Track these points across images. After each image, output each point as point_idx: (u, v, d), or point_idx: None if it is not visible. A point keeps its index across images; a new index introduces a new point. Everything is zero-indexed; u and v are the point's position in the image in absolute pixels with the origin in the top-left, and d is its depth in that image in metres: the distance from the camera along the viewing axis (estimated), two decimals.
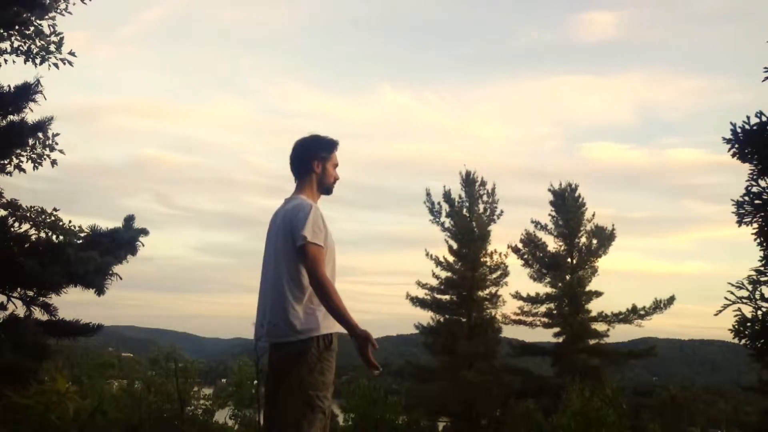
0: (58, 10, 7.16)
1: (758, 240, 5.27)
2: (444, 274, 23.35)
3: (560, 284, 23.21)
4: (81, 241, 6.87)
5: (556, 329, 23.10)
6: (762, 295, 5.18)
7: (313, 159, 2.95)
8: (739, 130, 5.13)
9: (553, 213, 23.79)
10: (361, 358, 2.63)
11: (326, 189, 3.00)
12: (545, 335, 23.85)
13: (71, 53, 7.22)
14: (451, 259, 23.42)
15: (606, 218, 22.23)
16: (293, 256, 2.73)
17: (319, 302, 2.72)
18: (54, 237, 7.10)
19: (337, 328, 2.78)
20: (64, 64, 7.21)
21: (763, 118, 5.04)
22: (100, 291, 6.61)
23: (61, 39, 7.14)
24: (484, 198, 23.62)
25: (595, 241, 23.17)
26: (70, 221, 7.34)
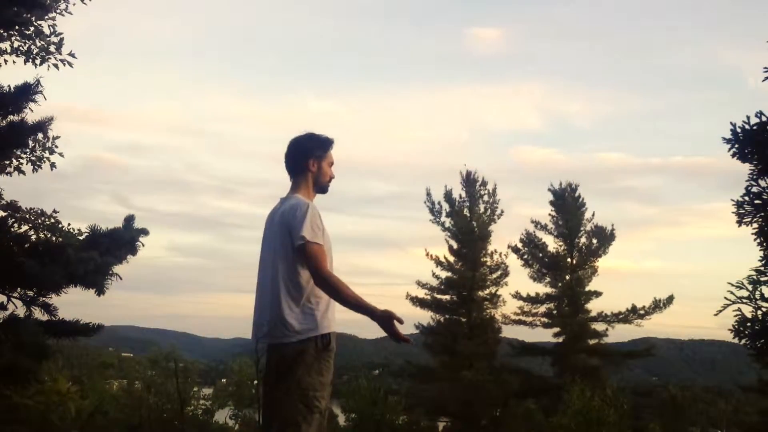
0: (58, 11, 7.15)
1: (758, 240, 5.27)
2: (444, 274, 23.38)
3: (560, 284, 23.21)
4: (81, 241, 6.87)
5: (556, 329, 23.10)
6: (762, 295, 5.19)
7: (308, 157, 2.92)
8: (739, 130, 5.13)
9: (553, 213, 23.80)
10: (390, 338, 2.65)
11: (322, 188, 2.98)
12: (545, 335, 23.89)
13: (71, 54, 7.21)
14: (451, 259, 23.43)
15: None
16: (290, 255, 2.72)
17: (317, 302, 2.72)
18: (53, 239, 7.09)
19: (335, 327, 2.78)
20: (64, 65, 7.19)
21: (763, 118, 5.04)
22: (100, 291, 6.60)
23: (61, 39, 7.12)
24: (485, 198, 23.64)
25: (595, 241, 23.18)
26: (69, 224, 7.34)
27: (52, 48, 7.13)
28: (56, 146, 7.24)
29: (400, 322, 2.65)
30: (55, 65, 7.17)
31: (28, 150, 7.09)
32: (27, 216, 7.22)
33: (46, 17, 6.97)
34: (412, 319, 23.72)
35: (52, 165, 7.36)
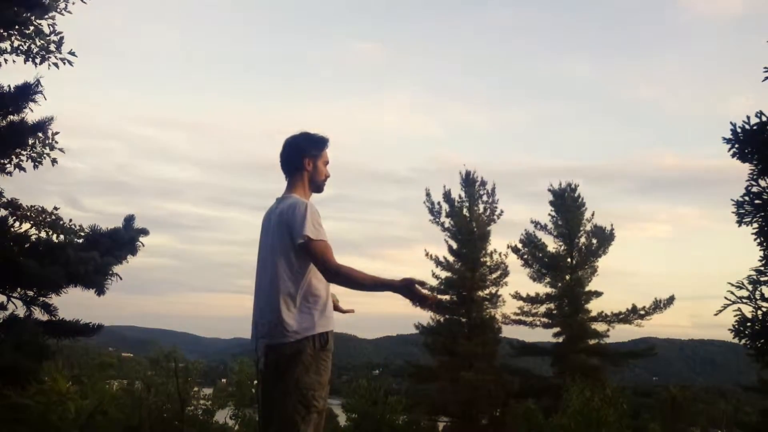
0: (58, 10, 7.15)
1: (758, 240, 5.26)
2: (444, 274, 23.38)
3: (560, 284, 23.22)
4: (81, 240, 6.87)
5: (556, 329, 23.12)
6: (762, 295, 5.18)
7: (304, 156, 2.91)
8: (739, 130, 5.13)
9: (553, 213, 23.82)
10: (419, 305, 2.68)
11: (318, 187, 2.97)
12: (545, 335, 23.94)
13: (71, 53, 7.21)
14: (451, 259, 23.44)
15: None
16: (288, 255, 2.72)
17: (315, 301, 2.72)
18: (54, 237, 7.08)
19: (334, 326, 2.78)
20: (64, 63, 7.19)
21: (763, 118, 5.03)
22: (100, 291, 6.60)
23: (61, 39, 7.12)
24: (484, 198, 23.66)
25: (594, 241, 23.19)
26: (70, 220, 7.34)
27: (52, 47, 7.13)
28: (56, 142, 7.24)
29: (423, 285, 2.67)
30: (55, 64, 7.17)
31: (28, 147, 7.09)
32: (28, 213, 7.22)
33: (46, 16, 6.97)
34: (412, 319, 23.78)
35: (53, 161, 7.36)
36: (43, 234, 7.09)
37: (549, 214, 23.87)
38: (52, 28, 7.09)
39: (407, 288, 2.65)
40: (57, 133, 7.18)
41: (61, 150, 7.30)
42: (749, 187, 5.22)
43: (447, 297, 23.55)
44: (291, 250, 2.72)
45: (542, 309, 23.64)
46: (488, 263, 23.33)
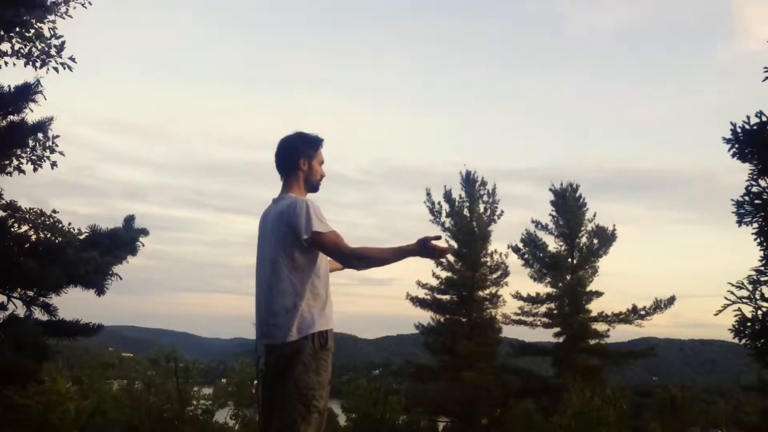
0: (59, 13, 7.14)
1: (758, 240, 5.26)
2: (444, 274, 23.37)
3: (560, 284, 23.20)
4: (82, 238, 6.87)
5: (557, 329, 23.09)
6: (762, 295, 5.18)
7: (299, 157, 2.91)
8: (739, 130, 5.13)
9: (554, 213, 23.80)
10: (436, 259, 2.78)
11: (313, 186, 2.97)
12: (545, 335, 23.89)
13: (71, 58, 7.18)
14: (451, 258, 23.43)
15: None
16: (290, 254, 2.71)
17: (314, 300, 2.71)
18: (54, 239, 7.08)
19: (332, 324, 2.78)
20: (65, 68, 7.17)
21: (763, 118, 5.03)
22: (100, 291, 6.61)
23: (63, 43, 7.10)
24: (485, 198, 23.64)
25: (595, 241, 23.18)
26: (69, 223, 7.33)
27: (53, 51, 7.11)
28: (56, 145, 7.22)
29: (438, 238, 2.73)
30: (56, 68, 7.15)
31: (28, 149, 7.07)
32: (27, 216, 7.21)
33: (46, 19, 6.96)
34: (412, 319, 23.78)
35: (53, 164, 7.34)
36: (41, 235, 7.09)
37: (550, 214, 23.89)
38: (52, 32, 7.08)
39: (425, 248, 2.69)
40: (57, 136, 7.17)
41: (61, 153, 7.30)
42: (749, 187, 5.22)
43: (447, 297, 23.58)
44: (294, 249, 2.71)
45: (543, 309, 23.63)
46: (489, 263, 23.34)
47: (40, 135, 6.91)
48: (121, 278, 6.76)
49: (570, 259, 23.31)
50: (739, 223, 5.26)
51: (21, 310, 6.44)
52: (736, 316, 5.21)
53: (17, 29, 6.80)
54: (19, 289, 6.42)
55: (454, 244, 23.33)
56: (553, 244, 23.65)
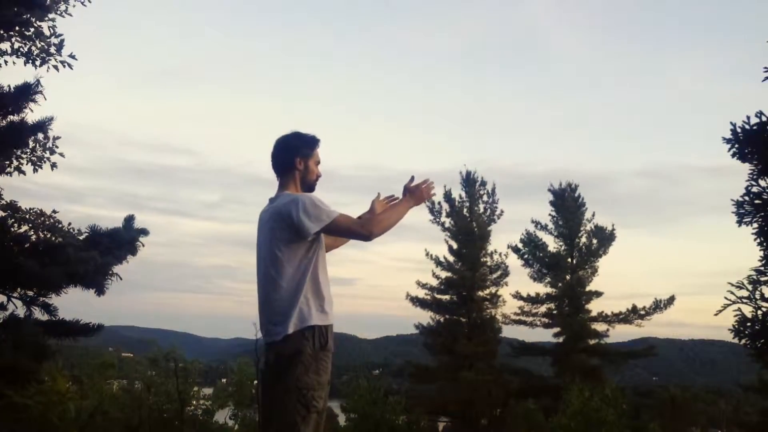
0: (59, 12, 7.14)
1: (758, 240, 5.26)
2: (444, 274, 23.37)
3: (560, 284, 23.20)
4: (81, 241, 6.87)
5: (556, 329, 23.10)
6: (762, 295, 5.18)
7: (295, 156, 2.90)
8: (739, 130, 5.12)
9: (553, 213, 23.80)
10: (429, 199, 3.03)
11: (309, 186, 2.95)
12: (545, 335, 23.91)
13: (71, 56, 7.18)
14: (451, 259, 23.43)
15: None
16: (291, 250, 2.70)
17: (313, 299, 2.70)
18: (54, 239, 7.08)
19: (331, 321, 2.76)
20: (64, 66, 7.16)
21: (763, 118, 5.03)
22: (100, 291, 6.61)
23: (62, 41, 7.09)
24: (485, 198, 23.66)
25: (595, 241, 23.18)
26: (69, 224, 7.32)
27: (53, 49, 7.11)
28: (56, 146, 7.21)
29: (412, 179, 2.99)
30: (55, 67, 7.15)
31: (28, 150, 7.07)
32: (27, 216, 7.20)
33: (46, 18, 6.96)
34: (412, 319, 23.77)
35: (53, 165, 7.33)
36: (41, 235, 7.09)
37: (549, 214, 23.90)
38: (52, 30, 7.07)
39: (413, 196, 2.95)
40: (58, 137, 7.16)
41: (61, 155, 7.28)
42: (749, 187, 5.22)
43: (447, 297, 23.57)
44: (292, 246, 2.70)
45: (542, 309, 23.64)
46: (488, 263, 23.34)
47: (40, 135, 6.90)
48: (121, 278, 6.77)
49: (570, 259, 23.32)
50: (739, 223, 5.25)
51: (21, 310, 6.45)
52: (736, 316, 5.21)
53: (17, 28, 6.80)
54: (19, 289, 6.42)
55: (454, 245, 23.36)
56: (552, 244, 23.69)
